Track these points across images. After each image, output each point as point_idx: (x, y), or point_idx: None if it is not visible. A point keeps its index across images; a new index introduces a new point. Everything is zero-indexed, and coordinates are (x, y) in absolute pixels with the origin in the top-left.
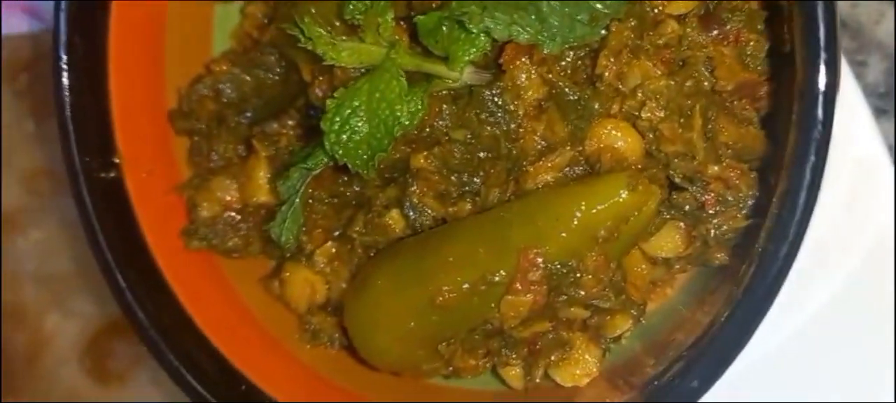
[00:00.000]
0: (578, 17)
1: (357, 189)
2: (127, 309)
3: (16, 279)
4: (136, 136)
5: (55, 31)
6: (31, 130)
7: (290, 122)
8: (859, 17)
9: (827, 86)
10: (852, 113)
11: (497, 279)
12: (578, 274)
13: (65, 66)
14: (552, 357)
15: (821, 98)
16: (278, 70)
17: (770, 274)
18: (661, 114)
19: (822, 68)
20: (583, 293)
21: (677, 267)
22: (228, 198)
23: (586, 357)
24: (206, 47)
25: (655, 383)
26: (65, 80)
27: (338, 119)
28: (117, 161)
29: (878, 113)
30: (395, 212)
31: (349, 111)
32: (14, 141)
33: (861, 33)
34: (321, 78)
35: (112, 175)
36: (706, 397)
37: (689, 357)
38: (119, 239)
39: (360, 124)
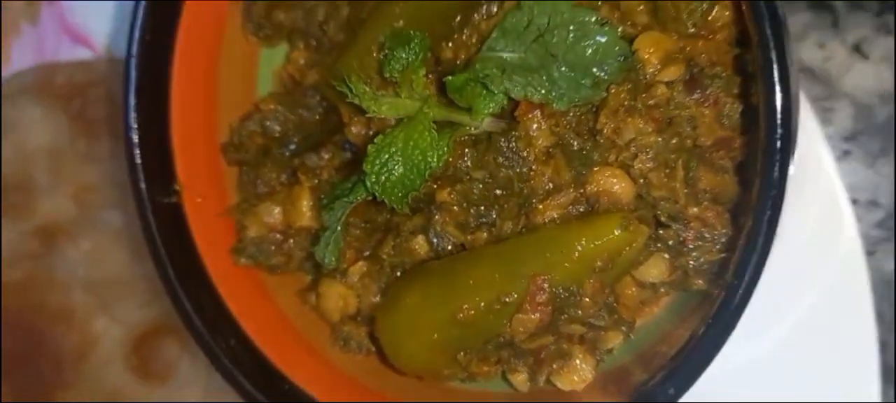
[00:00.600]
0: (583, 81)
1: (387, 216)
2: (185, 316)
3: (66, 284)
4: (193, 167)
5: (126, 75)
6: (82, 149)
7: (327, 155)
8: (830, 69)
9: (783, 149)
10: (818, 155)
11: (509, 300)
12: (578, 298)
13: (134, 107)
14: (554, 366)
15: (778, 158)
16: (318, 110)
17: (735, 300)
18: (651, 165)
19: (779, 138)
20: (581, 313)
21: (662, 290)
22: (272, 221)
23: (583, 366)
24: (253, 87)
25: (640, 388)
26: (133, 120)
27: (377, 162)
28: (177, 188)
29: (844, 154)
30: (420, 238)
31: (387, 155)
32: (67, 158)
33: (830, 84)
34: (357, 119)
35: (172, 200)
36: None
37: (668, 367)
38: (178, 255)
39: (396, 167)
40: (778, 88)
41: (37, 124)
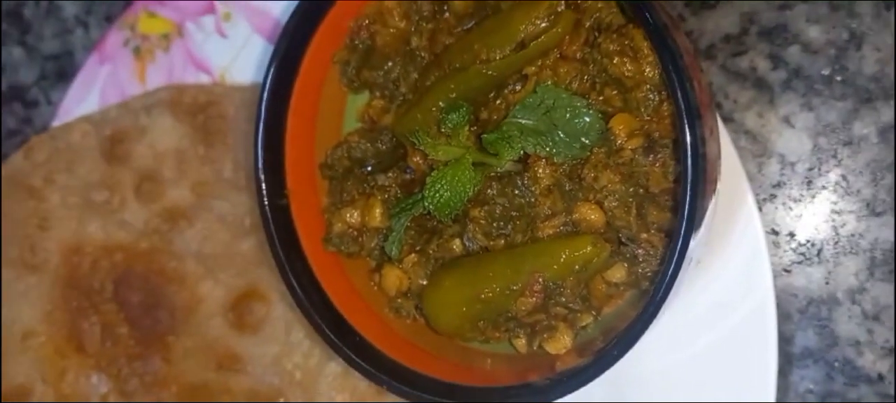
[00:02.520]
0: (574, 144)
1: (434, 223)
2: (289, 284)
3: (182, 255)
4: (299, 179)
5: (257, 116)
6: (200, 153)
7: (392, 176)
8: (765, 134)
9: (691, 195)
10: (742, 201)
11: (515, 288)
12: (562, 290)
13: (261, 138)
14: (545, 336)
15: (686, 210)
16: (389, 143)
17: (659, 295)
18: (616, 204)
19: (689, 202)
20: (563, 300)
21: (622, 288)
22: (351, 221)
23: (564, 336)
24: (341, 123)
25: (597, 351)
26: (260, 147)
27: (433, 189)
28: (287, 194)
29: (771, 197)
30: (457, 241)
31: (440, 185)
32: (188, 159)
33: (765, 144)
34: (417, 153)
35: (283, 202)
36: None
37: (617, 337)
38: (286, 243)
39: (445, 192)
40: (689, 154)
41: (167, 131)
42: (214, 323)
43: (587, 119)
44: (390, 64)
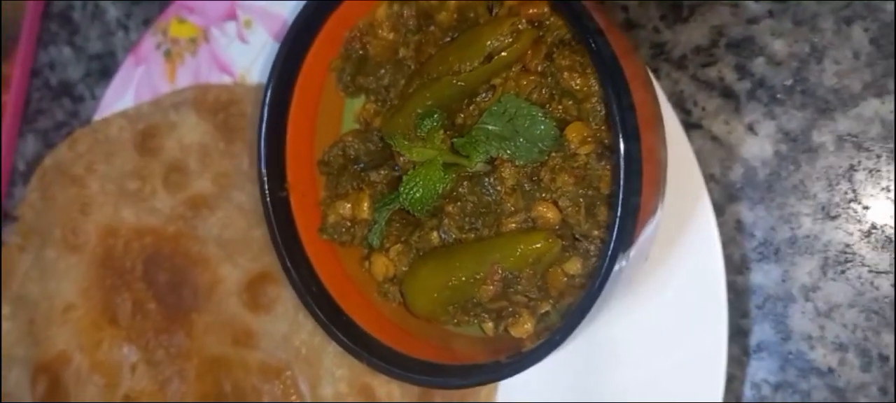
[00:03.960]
0: (534, 149)
1: (417, 218)
2: (286, 269)
3: (204, 240)
4: (298, 174)
5: (260, 116)
6: (221, 148)
7: (383, 173)
8: (731, 140)
9: (625, 194)
10: (700, 202)
11: (479, 277)
12: (519, 280)
13: (264, 135)
14: (509, 320)
15: (621, 199)
16: (380, 143)
17: (597, 283)
18: (569, 204)
19: (621, 188)
20: (521, 289)
21: (578, 279)
22: (344, 213)
23: (527, 322)
24: (339, 124)
25: (548, 333)
26: (263, 143)
27: (408, 186)
28: (287, 187)
29: (736, 199)
30: (434, 233)
31: (413, 183)
32: (211, 153)
33: (730, 150)
34: (401, 153)
35: (283, 195)
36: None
37: (565, 320)
38: (285, 231)
39: (419, 190)
40: (622, 160)
41: (192, 127)
42: (231, 302)
43: (543, 127)
44: (382, 71)
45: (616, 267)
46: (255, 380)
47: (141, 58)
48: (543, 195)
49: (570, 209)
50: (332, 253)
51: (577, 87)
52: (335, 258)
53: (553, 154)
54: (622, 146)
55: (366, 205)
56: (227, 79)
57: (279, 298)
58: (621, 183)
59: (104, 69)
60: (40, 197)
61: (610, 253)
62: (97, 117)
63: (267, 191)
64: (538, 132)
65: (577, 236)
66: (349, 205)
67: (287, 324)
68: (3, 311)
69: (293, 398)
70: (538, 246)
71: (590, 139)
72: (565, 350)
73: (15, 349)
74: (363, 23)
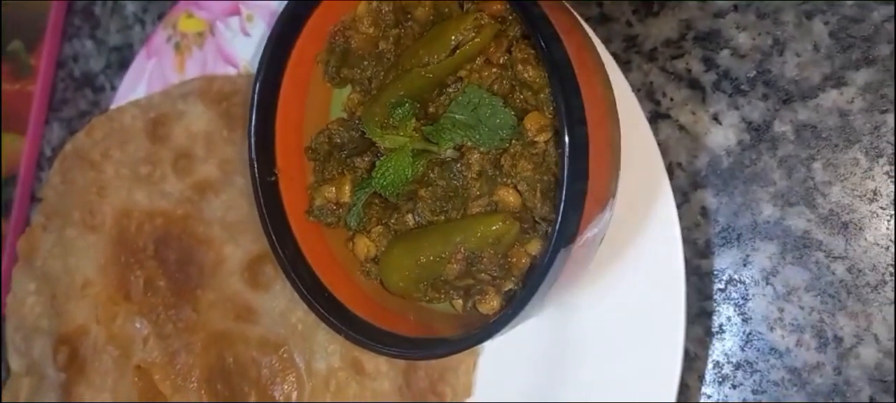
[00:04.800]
0: (495, 137)
1: (394, 202)
2: (274, 249)
3: (209, 221)
4: (287, 159)
5: (251, 102)
6: (225, 136)
7: (366, 159)
8: (697, 130)
9: (569, 177)
10: (661, 190)
11: (444, 256)
12: (480, 259)
13: (253, 122)
14: (477, 298)
15: (566, 182)
16: (362, 131)
17: (543, 265)
18: (526, 188)
19: (566, 173)
20: (483, 268)
21: (539, 259)
22: (330, 197)
23: (493, 300)
24: (327, 112)
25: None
26: (253, 130)
27: (380, 171)
28: (276, 172)
29: (698, 186)
30: (409, 216)
31: (386, 168)
32: (216, 140)
33: (697, 139)
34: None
35: (273, 179)
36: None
37: (518, 298)
38: (273, 213)
39: (390, 175)
40: (566, 154)
41: (199, 116)
42: (234, 280)
43: (502, 116)
44: (365, 63)
45: (564, 247)
46: (254, 353)
47: (153, 51)
48: (505, 180)
49: (528, 193)
50: (319, 234)
51: (531, 79)
52: (322, 239)
53: (514, 141)
54: (566, 132)
55: (347, 189)
56: (231, 71)
57: (277, 277)
58: (566, 167)
59: (122, 61)
60: (61, 180)
61: (556, 232)
62: (113, 106)
63: (257, 176)
64: (498, 121)
65: (537, 219)
66: (333, 189)
67: (285, 302)
68: (29, 287)
69: (289, 371)
70: (497, 227)
71: (547, 127)
72: (530, 338)
73: (40, 321)
74: (346, 18)
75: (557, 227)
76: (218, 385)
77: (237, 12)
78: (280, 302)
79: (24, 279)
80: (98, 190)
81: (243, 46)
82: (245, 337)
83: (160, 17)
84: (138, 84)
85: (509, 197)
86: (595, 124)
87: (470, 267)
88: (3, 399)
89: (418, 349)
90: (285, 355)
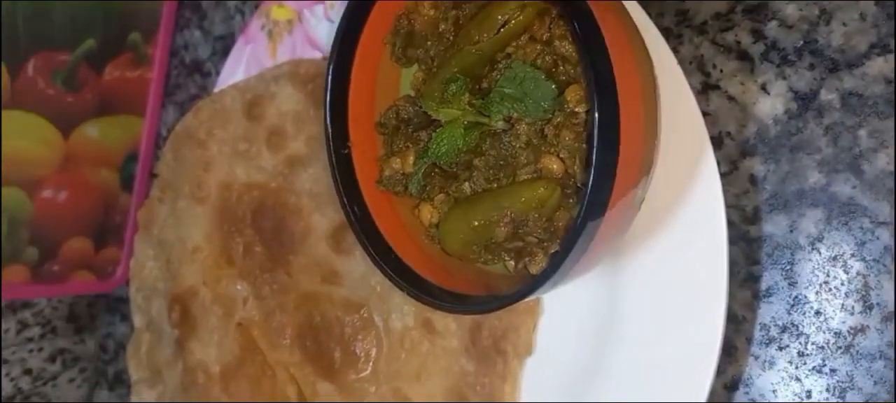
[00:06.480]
0: (539, 108)
1: (455, 171)
2: (348, 217)
3: (299, 193)
4: (359, 133)
5: (325, 82)
6: (312, 114)
7: (430, 132)
8: (746, 100)
9: (600, 144)
10: (704, 157)
11: (493, 220)
12: (526, 223)
13: (329, 100)
14: (527, 259)
15: (596, 147)
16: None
17: (576, 226)
18: (568, 155)
19: (596, 141)
20: (529, 231)
21: None
22: (396, 167)
23: (542, 260)
24: (396, 89)
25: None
26: (328, 107)
27: (435, 142)
28: (349, 145)
29: (747, 155)
30: (466, 184)
31: (441, 139)
32: (303, 118)
33: (745, 109)
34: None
35: (346, 151)
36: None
37: (551, 265)
38: (347, 184)
39: (444, 145)
40: (597, 117)
41: (289, 96)
42: (321, 246)
43: (544, 88)
44: (428, 43)
45: (596, 212)
46: (339, 313)
47: (249, 38)
48: (548, 149)
49: (570, 161)
50: (389, 202)
51: (568, 53)
52: (391, 207)
53: (557, 112)
54: (595, 102)
55: (411, 160)
56: (317, 55)
57: (357, 244)
58: (596, 137)
59: (225, 49)
60: (173, 157)
61: (587, 197)
62: (216, 90)
63: (331, 149)
64: (541, 93)
65: (578, 185)
66: (399, 161)
67: (364, 266)
68: (148, 252)
69: (369, 329)
70: (540, 192)
71: (585, 99)
72: (585, 301)
73: (157, 283)
74: (410, 2)
75: (588, 193)
76: (307, 341)
77: (322, 0)
78: (360, 266)
79: (143, 246)
80: (204, 165)
81: (327, 32)
82: (331, 298)
83: (257, 7)
84: (237, 68)
85: (553, 164)
86: (628, 95)
87: (517, 231)
88: (129, 352)
89: (472, 305)
90: (365, 314)
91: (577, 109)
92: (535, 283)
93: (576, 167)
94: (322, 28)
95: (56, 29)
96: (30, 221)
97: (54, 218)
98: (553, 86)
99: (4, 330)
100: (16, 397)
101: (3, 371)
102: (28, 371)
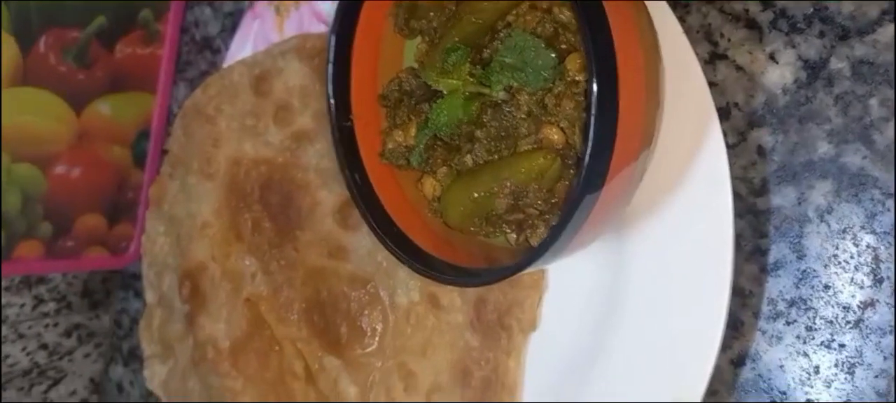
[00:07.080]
0: (539, 78)
1: (457, 143)
2: (350, 189)
3: (306, 168)
4: (362, 106)
5: (327, 54)
6: (318, 89)
7: (433, 104)
8: (754, 69)
9: (598, 115)
10: (710, 127)
11: (494, 191)
12: (526, 193)
13: (331, 73)
14: (528, 231)
15: (593, 116)
16: None
17: (574, 196)
18: (569, 125)
19: (593, 115)
20: (530, 201)
21: None
22: (399, 140)
23: (543, 232)
24: (400, 62)
25: (541, 243)
26: (330, 78)
27: (435, 112)
28: (352, 118)
29: (756, 125)
30: (468, 156)
31: (440, 109)
32: (310, 93)
33: (753, 78)
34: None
35: (349, 124)
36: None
37: (551, 232)
38: (349, 157)
39: (444, 116)
40: (595, 86)
41: (295, 71)
42: (327, 221)
43: (543, 57)
44: (431, 14)
45: (594, 183)
46: (345, 288)
47: (257, 14)
48: (549, 119)
49: (568, 130)
50: (392, 175)
51: (567, 20)
52: (394, 180)
53: (557, 81)
54: (593, 70)
55: (412, 132)
56: (323, 29)
57: (359, 219)
58: (594, 106)
59: (234, 25)
60: (183, 133)
61: (584, 168)
62: (224, 65)
63: (334, 122)
64: (541, 62)
65: (580, 155)
66: (402, 133)
67: (371, 242)
68: (159, 228)
69: (375, 304)
70: (539, 163)
71: (585, 67)
72: (590, 275)
73: (168, 258)
74: None
75: (586, 164)
76: (314, 316)
77: None
78: (367, 242)
79: (155, 221)
80: (213, 141)
81: (333, 6)
82: (337, 273)
83: None
84: (245, 44)
85: (553, 134)
86: (629, 64)
87: (517, 202)
88: (141, 327)
89: (472, 277)
90: (372, 289)
91: (577, 78)
92: (534, 254)
93: (576, 137)
94: (328, 2)
95: (67, 6)
96: (44, 197)
97: (68, 194)
98: (553, 55)
99: (20, 305)
100: (32, 371)
101: (20, 346)
102: (44, 346)
